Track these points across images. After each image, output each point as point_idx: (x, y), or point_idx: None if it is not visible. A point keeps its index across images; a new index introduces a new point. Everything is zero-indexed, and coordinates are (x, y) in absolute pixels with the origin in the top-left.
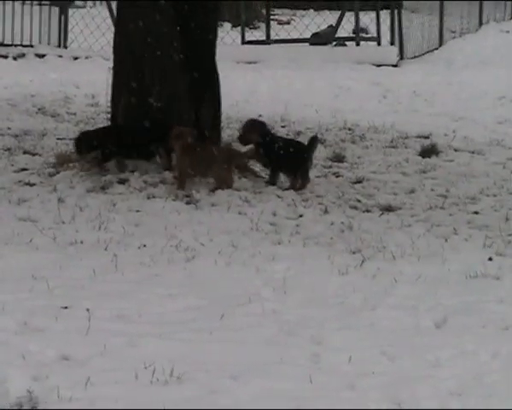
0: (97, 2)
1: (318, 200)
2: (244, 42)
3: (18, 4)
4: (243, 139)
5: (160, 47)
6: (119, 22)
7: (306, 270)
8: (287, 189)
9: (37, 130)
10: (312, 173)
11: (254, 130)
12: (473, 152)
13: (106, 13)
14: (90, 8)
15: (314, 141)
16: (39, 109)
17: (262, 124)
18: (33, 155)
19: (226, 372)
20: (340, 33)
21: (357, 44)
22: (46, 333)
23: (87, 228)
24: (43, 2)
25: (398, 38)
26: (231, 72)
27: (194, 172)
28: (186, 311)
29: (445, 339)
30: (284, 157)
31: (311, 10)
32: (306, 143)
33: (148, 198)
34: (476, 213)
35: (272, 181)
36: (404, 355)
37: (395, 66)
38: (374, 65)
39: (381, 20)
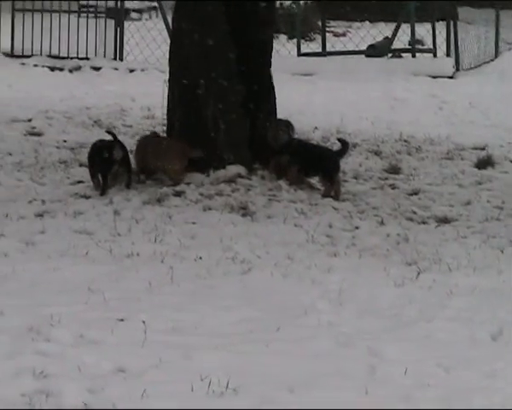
0: (153, 15)
1: (374, 212)
2: (300, 54)
3: (74, 17)
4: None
5: (215, 59)
6: (174, 35)
7: (362, 282)
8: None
9: None
10: (368, 185)
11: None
12: None
13: (161, 25)
14: (146, 20)
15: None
16: (95, 122)
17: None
18: None
19: (282, 384)
20: (396, 45)
21: (413, 56)
22: (102, 345)
23: (143, 240)
24: (98, 15)
25: (453, 50)
26: (287, 84)
27: (148, 165)
28: (242, 323)
29: (501, 351)
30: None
31: (367, 22)
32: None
33: (204, 210)
34: None
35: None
36: (460, 367)
37: (451, 77)
38: (429, 76)
39: (437, 31)
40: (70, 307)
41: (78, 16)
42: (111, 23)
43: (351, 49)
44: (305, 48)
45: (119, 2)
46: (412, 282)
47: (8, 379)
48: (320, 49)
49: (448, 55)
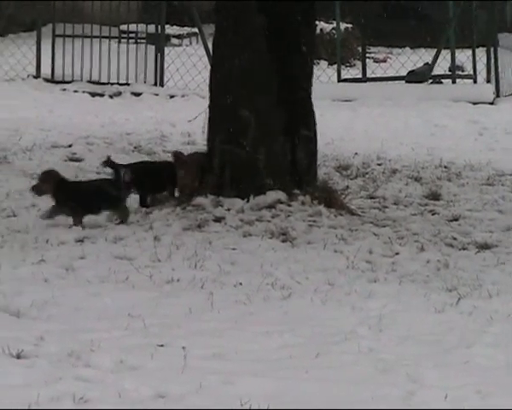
0: (193, 41)
1: (414, 238)
2: (340, 80)
3: (114, 43)
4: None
5: (255, 86)
6: (214, 61)
7: (402, 308)
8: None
9: None
10: (408, 211)
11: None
12: None
13: (202, 51)
14: (187, 46)
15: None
16: (135, 148)
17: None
18: None
19: None
20: (436, 71)
21: (453, 82)
22: (142, 371)
23: (183, 266)
24: (139, 41)
25: (494, 76)
26: (327, 110)
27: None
28: (282, 349)
29: None
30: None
31: (407, 48)
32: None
33: (244, 236)
34: None
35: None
36: (499, 393)
37: (491, 103)
38: (470, 103)
39: (477, 57)
40: (110, 333)
41: (119, 42)
42: (151, 49)
43: (391, 75)
44: (345, 74)
45: (159, 28)
46: (452, 308)
47: (48, 405)
48: (360, 75)
49: (488, 81)
